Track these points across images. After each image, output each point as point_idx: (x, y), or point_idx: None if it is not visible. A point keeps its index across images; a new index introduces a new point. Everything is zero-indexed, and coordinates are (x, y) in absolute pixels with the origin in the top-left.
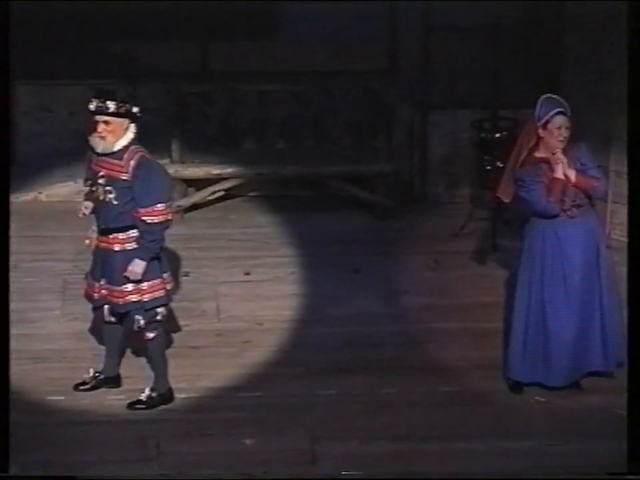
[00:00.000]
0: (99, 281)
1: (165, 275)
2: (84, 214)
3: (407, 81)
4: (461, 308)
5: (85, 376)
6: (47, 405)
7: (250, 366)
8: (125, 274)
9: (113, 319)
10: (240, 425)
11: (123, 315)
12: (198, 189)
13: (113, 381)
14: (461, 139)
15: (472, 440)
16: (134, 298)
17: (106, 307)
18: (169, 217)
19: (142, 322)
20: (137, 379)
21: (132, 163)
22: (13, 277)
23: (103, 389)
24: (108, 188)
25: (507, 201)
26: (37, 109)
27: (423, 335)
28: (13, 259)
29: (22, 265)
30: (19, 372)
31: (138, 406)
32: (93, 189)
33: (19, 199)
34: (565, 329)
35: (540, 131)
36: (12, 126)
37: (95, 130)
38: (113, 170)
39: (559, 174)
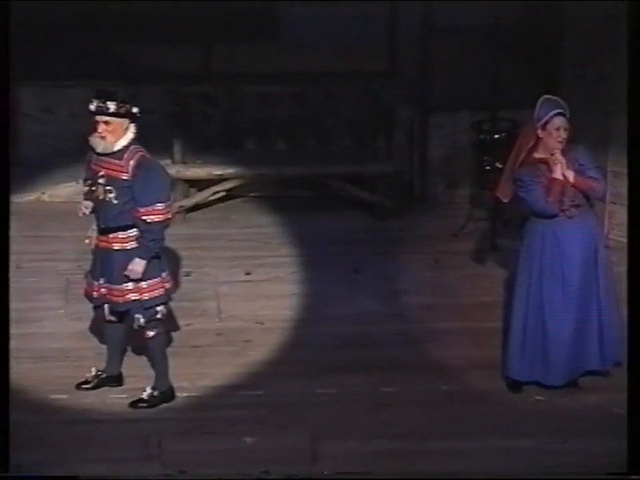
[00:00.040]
0: (98, 280)
1: (164, 274)
2: (84, 213)
3: (407, 81)
4: (461, 307)
5: (88, 375)
6: (49, 404)
7: (251, 365)
8: (125, 273)
9: (113, 318)
10: (241, 423)
11: (123, 313)
12: (199, 190)
13: (115, 379)
14: (461, 139)
15: (471, 438)
16: (133, 297)
17: (106, 305)
18: (169, 216)
19: (142, 320)
20: (139, 377)
21: (132, 162)
22: (16, 276)
23: (105, 388)
24: (108, 187)
25: (505, 200)
26: (38, 110)
27: (422, 334)
28: (16, 259)
29: (25, 265)
30: (22, 371)
31: (140, 405)
32: (93, 188)
33: (22, 199)
34: (563, 328)
35: (539, 131)
36: (14, 127)
37: (95, 130)
38: (113, 170)
39: (558, 174)
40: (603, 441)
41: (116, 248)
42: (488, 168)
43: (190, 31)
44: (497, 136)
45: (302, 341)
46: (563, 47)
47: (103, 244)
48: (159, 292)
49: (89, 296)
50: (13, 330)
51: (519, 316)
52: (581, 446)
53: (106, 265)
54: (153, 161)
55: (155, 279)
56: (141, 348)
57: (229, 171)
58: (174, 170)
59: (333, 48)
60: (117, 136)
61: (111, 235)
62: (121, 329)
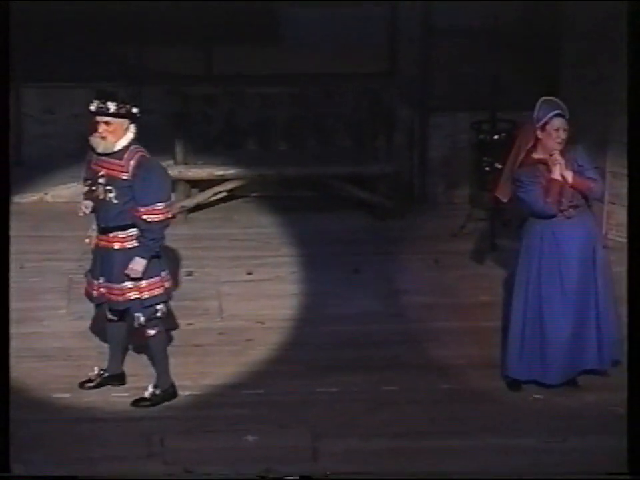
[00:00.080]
0: (97, 279)
1: (163, 273)
2: (84, 213)
3: (407, 82)
4: (460, 307)
5: (90, 374)
6: (52, 403)
7: (252, 364)
8: (126, 272)
9: (113, 317)
10: (242, 422)
11: (124, 312)
12: (201, 190)
13: (118, 378)
14: (460, 140)
15: (471, 437)
16: (133, 295)
17: (105, 305)
18: (169, 216)
19: (142, 319)
20: (141, 376)
21: (132, 162)
22: (19, 276)
23: (108, 387)
24: (108, 187)
25: (504, 200)
26: (40, 111)
27: (422, 333)
28: (19, 259)
29: (28, 265)
30: (25, 370)
31: (142, 403)
32: (93, 188)
33: (25, 199)
34: (561, 327)
35: (538, 132)
36: (16, 128)
37: (95, 130)
38: (113, 169)
39: (557, 175)
40: (602, 440)
41: (116, 247)
42: (487, 168)
43: (191, 32)
44: (496, 136)
45: (303, 340)
46: (563, 47)
47: (103, 243)
48: (158, 291)
49: (88, 295)
50: (16, 329)
51: (518, 315)
52: (579, 444)
53: (106, 264)
54: (153, 160)
55: (155, 278)
56: (142, 347)
57: (230, 171)
58: (176, 170)
59: (333, 49)
60: (117, 136)
61: (111, 235)
62: (122, 328)
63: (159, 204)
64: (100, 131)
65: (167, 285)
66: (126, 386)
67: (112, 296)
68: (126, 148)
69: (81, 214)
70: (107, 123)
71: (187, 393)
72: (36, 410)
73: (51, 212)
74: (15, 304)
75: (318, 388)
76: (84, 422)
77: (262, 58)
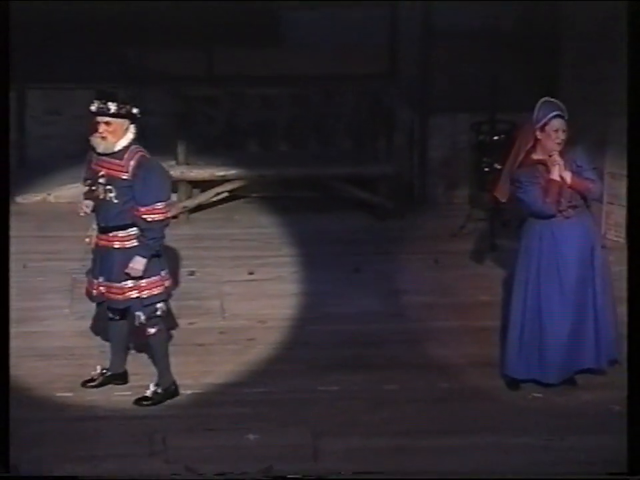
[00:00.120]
0: (97, 279)
1: (163, 273)
2: (85, 212)
3: (407, 83)
4: (460, 306)
5: (93, 373)
6: (55, 401)
7: (253, 363)
8: (126, 271)
9: (113, 316)
10: (244, 420)
11: (125, 311)
12: (203, 190)
13: (120, 377)
14: (460, 141)
15: (470, 436)
16: (133, 294)
17: (104, 303)
18: (169, 215)
19: (142, 318)
20: (143, 375)
21: (132, 162)
22: (22, 276)
23: (110, 386)
24: (108, 187)
25: (503, 200)
26: (44, 112)
27: (422, 333)
28: (22, 259)
29: (31, 265)
30: (28, 369)
31: (144, 402)
32: (93, 188)
33: (28, 200)
34: (560, 327)
35: (538, 133)
36: (20, 129)
37: (96, 130)
38: (113, 169)
39: (555, 175)
40: (600, 438)
41: (116, 247)
42: (487, 169)
43: (192, 33)
44: (496, 137)
45: (303, 340)
46: (562, 47)
47: (103, 243)
48: (158, 290)
49: (88, 294)
50: (19, 328)
51: (517, 315)
52: (578, 443)
53: (105, 264)
54: (152, 160)
55: (155, 277)
56: (143, 345)
57: (231, 171)
58: (177, 171)
59: (334, 50)
60: (117, 136)
61: (111, 234)
62: (123, 327)
63: (158, 203)
64: (100, 131)
65: (166, 283)
66: (128, 385)
67: (112, 295)
68: (126, 148)
69: (82, 213)
70: (107, 123)
71: (189, 391)
72: (39, 408)
73: (54, 212)
74: (18, 303)
75: (319, 387)
76: (86, 420)
77: (262, 59)
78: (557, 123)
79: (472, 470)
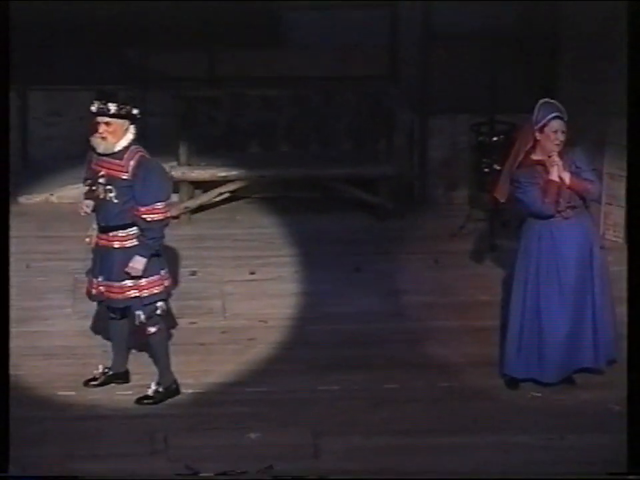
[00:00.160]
0: (97, 278)
1: (162, 272)
2: (85, 212)
3: (407, 85)
4: (460, 306)
5: (95, 372)
6: (57, 400)
7: (254, 362)
8: (126, 270)
9: (113, 315)
10: (244, 419)
11: (125, 310)
12: (204, 191)
13: (122, 376)
14: (460, 142)
15: (470, 434)
16: (133, 294)
17: (103, 303)
18: (169, 215)
19: (142, 317)
20: (145, 374)
21: (132, 162)
22: (25, 275)
23: (112, 385)
24: (108, 187)
25: (502, 201)
26: (47, 113)
27: (422, 332)
28: (25, 259)
29: (33, 264)
30: (31, 368)
31: (145, 401)
32: (94, 188)
33: (31, 200)
34: (559, 326)
35: (537, 134)
36: (23, 130)
37: (96, 131)
38: (113, 169)
39: (554, 176)
40: (599, 437)
41: (116, 246)
42: (486, 170)
43: (194, 36)
44: (495, 138)
45: (304, 339)
46: (562, 48)
47: (103, 242)
48: (158, 289)
49: (88, 294)
50: (22, 328)
51: (516, 314)
52: (576, 442)
53: (105, 263)
54: (152, 160)
55: (155, 276)
56: (144, 345)
57: (233, 172)
58: (179, 172)
59: (334, 51)
60: (117, 137)
61: (111, 234)
62: (124, 327)
63: (158, 203)
64: (100, 131)
65: (166, 283)
66: (130, 384)
67: (111, 294)
68: (126, 148)
69: (82, 213)
70: (107, 123)
71: (190, 390)
72: (41, 407)
73: (57, 212)
74: (20, 303)
75: (319, 386)
76: (88, 419)
77: (264, 61)
78: (556, 124)
79: (472, 469)
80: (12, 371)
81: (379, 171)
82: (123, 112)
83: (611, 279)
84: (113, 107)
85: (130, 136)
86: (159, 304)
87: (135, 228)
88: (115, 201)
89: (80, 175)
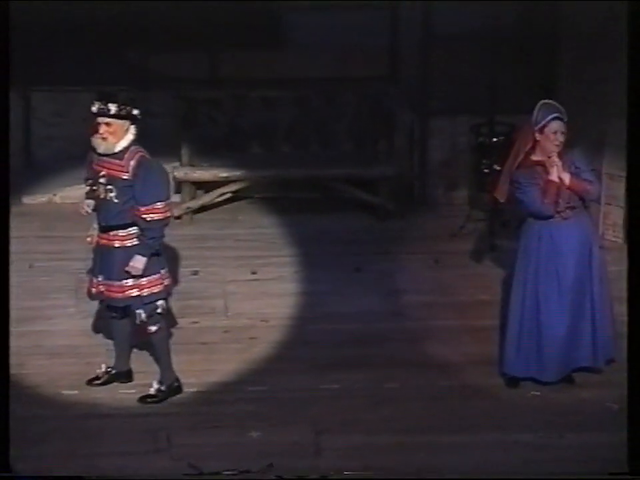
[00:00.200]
0: (97, 277)
1: (162, 271)
2: (86, 212)
3: (407, 86)
4: (460, 306)
5: (98, 371)
6: (61, 399)
7: (256, 361)
8: (126, 269)
9: (112, 314)
10: (246, 418)
11: (126, 310)
12: (206, 191)
13: (125, 375)
14: (460, 142)
15: (470, 433)
16: (134, 293)
17: (101, 301)
18: (168, 215)
19: (143, 316)
20: (148, 373)
21: (132, 162)
22: (29, 275)
23: (115, 384)
24: (109, 187)
25: (502, 201)
26: (50, 114)
27: (422, 331)
28: (28, 259)
29: (37, 264)
30: (34, 367)
31: (148, 400)
32: (94, 187)
33: (34, 201)
34: (557, 326)
35: (537, 135)
36: (26, 131)
37: (96, 131)
38: (113, 169)
39: (554, 177)
40: (597, 436)
41: (116, 245)
42: (486, 170)
43: (197, 38)
44: (495, 139)
45: (305, 338)
46: (562, 48)
47: (104, 242)
48: (158, 288)
49: (88, 293)
50: (26, 327)
51: (515, 314)
52: (576, 441)
53: (106, 262)
54: (152, 160)
55: (155, 276)
56: (145, 344)
57: (235, 173)
58: (181, 172)
59: (335, 53)
60: (117, 137)
61: (111, 233)
62: (126, 326)
63: (158, 203)
64: (101, 131)
65: (166, 282)
66: (133, 383)
67: (111, 293)
68: (126, 148)
69: (83, 213)
70: (107, 124)
71: (193, 389)
72: (45, 406)
73: (60, 213)
74: (24, 302)
75: (320, 385)
76: (92, 418)
77: (265, 63)
78: (556, 125)
79: (472, 467)
80: (16, 370)
81: (379, 172)
82: (123, 112)
83: (610, 278)
84: (113, 108)
85: (130, 136)
86: (160, 303)
87: (135, 227)
88: (116, 200)
89: (82, 175)
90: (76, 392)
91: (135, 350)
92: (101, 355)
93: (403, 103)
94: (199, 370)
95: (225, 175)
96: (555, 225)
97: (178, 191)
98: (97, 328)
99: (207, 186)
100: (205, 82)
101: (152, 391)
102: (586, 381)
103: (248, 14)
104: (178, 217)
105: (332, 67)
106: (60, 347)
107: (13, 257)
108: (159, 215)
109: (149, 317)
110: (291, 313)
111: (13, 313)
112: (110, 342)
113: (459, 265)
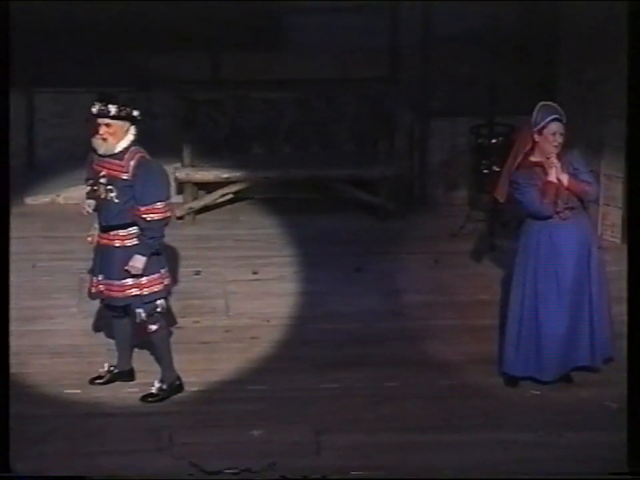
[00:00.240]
0: (97, 277)
1: (162, 270)
2: (87, 212)
3: (407, 87)
4: (459, 305)
5: (100, 370)
6: (63, 398)
7: (257, 361)
8: (126, 268)
9: (112, 314)
10: (247, 417)
11: (126, 309)
12: (208, 192)
13: (127, 375)
14: (460, 143)
15: (470, 432)
16: (133, 292)
17: (101, 301)
18: (168, 215)
19: (143, 315)
20: (150, 372)
21: (132, 162)
22: (31, 275)
23: (117, 383)
24: (109, 187)
25: (501, 201)
26: (53, 115)
27: (422, 331)
28: (31, 259)
29: (40, 264)
30: (37, 366)
31: (150, 399)
32: (95, 188)
33: (37, 201)
34: (556, 325)
35: (536, 136)
36: (30, 132)
37: (96, 132)
38: (114, 170)
39: (553, 177)
40: (596, 435)
41: (117, 245)
42: (486, 171)
43: (197, 39)
44: (494, 140)
45: (306, 338)
46: (562, 48)
47: (104, 241)
48: (158, 287)
49: (88, 292)
50: (28, 327)
51: (515, 313)
52: (575, 439)
53: (106, 262)
54: (152, 161)
55: (155, 275)
56: (146, 343)
57: (236, 174)
58: (183, 173)
59: (335, 55)
60: (117, 138)
61: (112, 233)
62: (127, 325)
63: (158, 203)
64: (101, 132)
65: (166, 281)
66: (135, 382)
67: (111, 292)
68: (126, 149)
69: (84, 212)
70: (107, 125)
71: (194, 388)
72: (47, 405)
73: (63, 213)
74: (27, 302)
75: (321, 384)
76: (94, 417)
77: (267, 64)
78: (555, 127)
79: (472, 466)
80: (18, 369)
81: (379, 172)
82: (123, 113)
83: (609, 278)
84: (113, 109)
85: (130, 137)
86: (159, 302)
87: (135, 227)
88: (116, 200)
89: (84, 175)
90: (78, 391)
91: (136, 349)
92: (103, 354)
93: (403, 104)
94: (200, 369)
95: (226, 175)
96: (554, 226)
97: (180, 192)
98: (99, 327)
99: (208, 187)
100: (205, 83)
101: (154, 389)
102: (585, 380)
103: (248, 15)
104: (180, 218)
105: (332, 67)
106: (62, 346)
107: (15, 257)
108: (159, 214)
109: (148, 316)
110: (292, 313)
111: (16, 313)
112: (111, 341)
113: (459, 264)
